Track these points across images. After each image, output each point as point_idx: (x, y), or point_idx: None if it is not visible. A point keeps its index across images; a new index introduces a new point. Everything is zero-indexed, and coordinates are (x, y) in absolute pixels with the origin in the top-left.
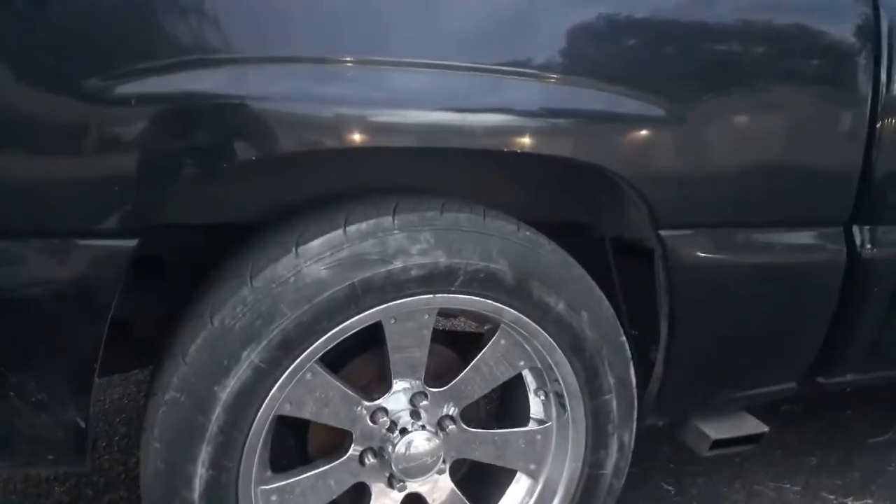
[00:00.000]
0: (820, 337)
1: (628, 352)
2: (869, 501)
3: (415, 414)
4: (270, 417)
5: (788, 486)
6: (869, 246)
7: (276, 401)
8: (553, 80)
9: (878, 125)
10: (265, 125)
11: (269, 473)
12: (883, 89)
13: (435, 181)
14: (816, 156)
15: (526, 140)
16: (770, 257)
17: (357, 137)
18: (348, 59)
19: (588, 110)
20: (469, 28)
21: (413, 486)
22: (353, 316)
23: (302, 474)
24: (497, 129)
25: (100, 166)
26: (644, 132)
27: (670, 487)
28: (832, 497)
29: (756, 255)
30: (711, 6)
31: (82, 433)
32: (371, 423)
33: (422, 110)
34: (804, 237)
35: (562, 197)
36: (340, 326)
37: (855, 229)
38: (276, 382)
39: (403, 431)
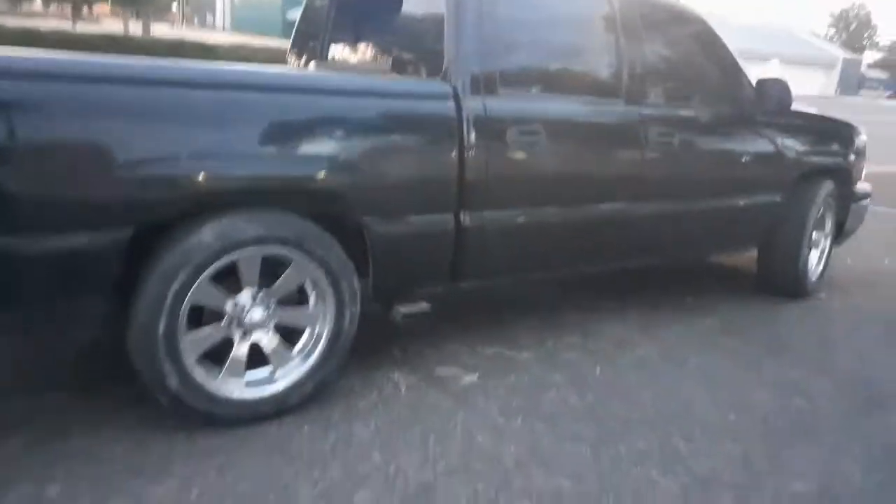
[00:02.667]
0: (448, 266)
1: (353, 271)
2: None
3: (254, 302)
4: (189, 303)
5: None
6: (469, 221)
7: (192, 295)
8: None
9: (464, 159)
10: None
11: (188, 329)
12: (465, 143)
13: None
14: (437, 175)
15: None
16: (419, 226)
17: None
18: None
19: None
20: None
21: (256, 335)
22: (227, 255)
23: (201, 329)
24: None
25: None
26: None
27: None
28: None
29: (411, 226)
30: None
31: None
32: (233, 307)
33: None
34: (438, 218)
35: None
36: (221, 260)
37: (461, 213)
38: (190, 288)
39: (249, 311)
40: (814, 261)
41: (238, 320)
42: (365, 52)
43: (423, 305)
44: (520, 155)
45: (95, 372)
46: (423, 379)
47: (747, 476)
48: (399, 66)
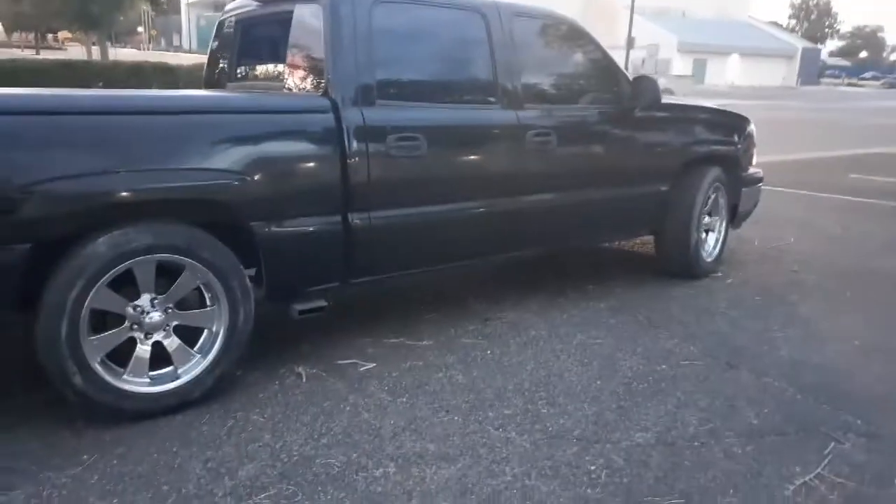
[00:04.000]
0: (340, 265)
1: (244, 273)
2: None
3: (153, 306)
4: (88, 309)
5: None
6: (356, 221)
7: (90, 301)
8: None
9: (347, 165)
10: None
11: (90, 334)
12: (346, 150)
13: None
14: (321, 182)
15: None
16: (307, 229)
17: None
18: None
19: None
20: None
21: (155, 337)
22: (121, 264)
23: (102, 333)
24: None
25: None
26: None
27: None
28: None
29: (299, 229)
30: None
31: None
32: (133, 311)
33: None
34: (325, 220)
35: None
36: (115, 269)
37: (349, 214)
38: (88, 296)
39: (148, 313)
40: (710, 243)
41: (139, 323)
42: (265, 71)
43: (320, 302)
44: (400, 160)
45: (9, 379)
46: (324, 369)
47: (595, 431)
48: (292, 84)
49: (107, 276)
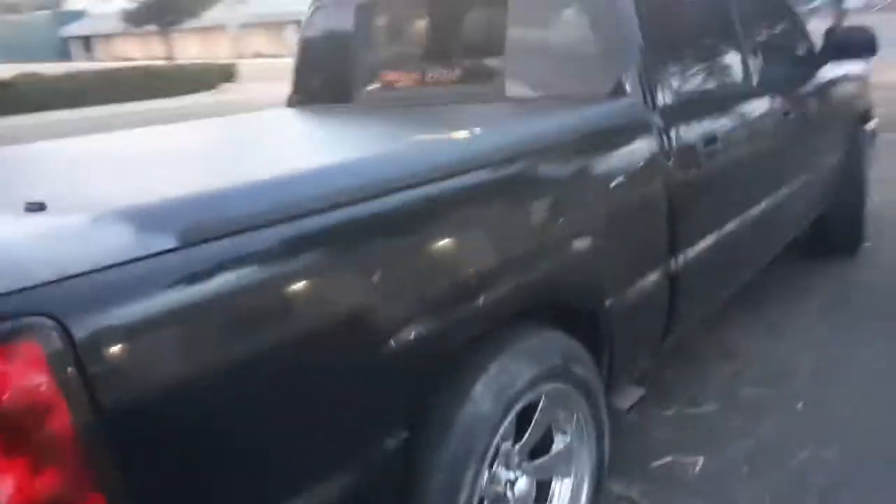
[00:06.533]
0: (662, 326)
1: (602, 383)
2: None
3: (509, 466)
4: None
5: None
6: (678, 264)
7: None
8: None
9: (670, 192)
10: None
11: None
12: (668, 174)
13: None
14: (652, 224)
15: None
16: (645, 290)
17: None
18: None
19: None
20: None
21: None
22: (508, 417)
23: None
24: None
25: None
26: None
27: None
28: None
29: (637, 296)
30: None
31: None
32: (489, 482)
33: None
34: (656, 273)
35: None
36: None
37: (672, 258)
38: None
39: (510, 481)
40: None
41: (499, 499)
42: (449, 73)
43: (640, 391)
44: (707, 174)
45: None
46: (648, 479)
47: None
48: (524, 89)
49: (497, 442)
